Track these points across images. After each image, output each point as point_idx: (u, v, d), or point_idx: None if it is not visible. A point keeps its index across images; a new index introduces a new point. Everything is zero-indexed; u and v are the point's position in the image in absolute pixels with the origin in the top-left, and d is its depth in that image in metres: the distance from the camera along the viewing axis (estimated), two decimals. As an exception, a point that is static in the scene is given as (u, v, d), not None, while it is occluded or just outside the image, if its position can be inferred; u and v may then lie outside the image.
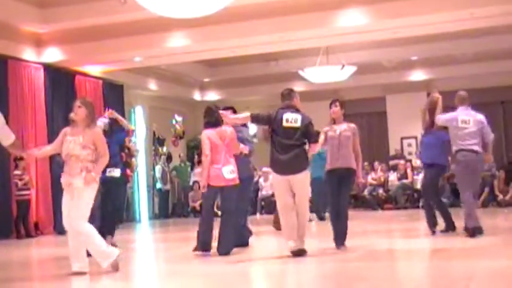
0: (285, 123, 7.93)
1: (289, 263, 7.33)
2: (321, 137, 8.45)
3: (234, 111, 9.36)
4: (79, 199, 6.91)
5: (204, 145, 8.31)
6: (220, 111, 8.49)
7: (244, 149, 8.87)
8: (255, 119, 8.12)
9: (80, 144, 6.99)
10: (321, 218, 14.03)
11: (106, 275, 6.76)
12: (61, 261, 8.73)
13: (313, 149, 8.16)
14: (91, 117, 7.14)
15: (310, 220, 12.17)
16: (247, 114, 8.24)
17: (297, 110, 8.11)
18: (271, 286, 6.36)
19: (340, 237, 8.27)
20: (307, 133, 7.98)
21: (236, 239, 8.65)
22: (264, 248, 9.91)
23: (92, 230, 6.96)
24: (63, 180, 7.06)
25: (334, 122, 8.64)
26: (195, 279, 6.87)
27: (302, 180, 7.93)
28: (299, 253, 7.72)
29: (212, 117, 8.49)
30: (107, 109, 10.36)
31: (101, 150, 7.10)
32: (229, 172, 8.29)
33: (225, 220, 8.41)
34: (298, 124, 7.93)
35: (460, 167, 9.12)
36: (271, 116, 8.04)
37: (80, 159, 6.97)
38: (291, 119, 7.96)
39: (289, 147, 7.88)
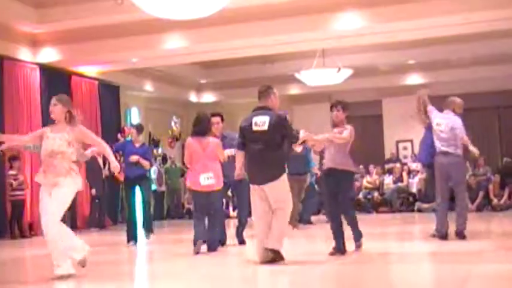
0: (254, 127, 7.51)
1: (285, 265, 7.31)
2: (301, 135, 7.87)
3: (222, 119, 9.47)
4: (62, 199, 6.76)
5: (185, 152, 8.99)
6: None
7: (231, 152, 8.97)
8: (240, 146, 7.73)
9: (67, 141, 6.85)
10: (308, 222, 14.05)
11: (102, 277, 6.74)
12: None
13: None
14: (69, 113, 6.95)
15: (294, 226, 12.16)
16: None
17: (268, 111, 7.61)
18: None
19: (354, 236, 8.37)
20: (279, 134, 7.47)
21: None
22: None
23: (60, 235, 6.71)
24: (46, 180, 6.83)
25: (335, 125, 8.41)
26: (194, 280, 6.87)
27: (276, 188, 7.48)
28: (271, 259, 7.31)
29: (197, 127, 8.90)
30: None
31: (93, 142, 7.05)
32: (206, 179, 8.72)
33: (209, 221, 8.98)
34: (265, 127, 7.46)
35: (434, 170, 9.27)
36: (241, 127, 7.67)
37: (66, 157, 6.82)
38: (259, 122, 7.51)
39: (258, 154, 7.49)
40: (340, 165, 8.23)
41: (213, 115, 9.54)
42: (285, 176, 7.53)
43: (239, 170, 7.80)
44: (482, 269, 6.84)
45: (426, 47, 17.22)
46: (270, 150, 7.45)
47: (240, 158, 7.76)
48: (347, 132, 8.24)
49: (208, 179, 8.72)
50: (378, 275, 6.78)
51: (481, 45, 17.04)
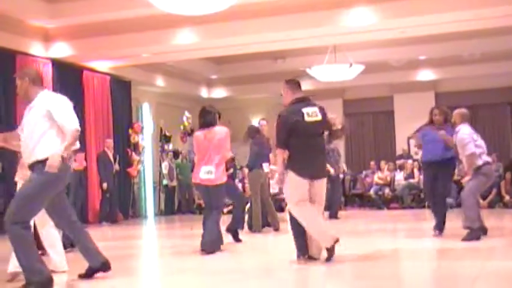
0: (307, 118, 7.15)
1: (294, 261, 7.32)
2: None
3: (219, 116, 9.22)
4: None
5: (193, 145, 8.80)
6: None
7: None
8: (285, 143, 7.16)
9: None
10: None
11: (112, 271, 6.76)
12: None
13: None
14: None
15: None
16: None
17: (310, 101, 7.35)
18: (275, 283, 6.36)
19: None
20: (326, 125, 7.43)
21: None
22: (267, 245, 9.92)
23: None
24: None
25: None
26: (202, 276, 6.89)
27: (324, 185, 7.37)
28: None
29: (202, 119, 8.66)
30: None
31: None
32: (205, 172, 8.38)
33: (205, 217, 8.62)
34: (319, 117, 7.24)
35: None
36: (289, 122, 7.12)
37: None
38: (311, 113, 7.19)
39: (317, 145, 7.28)
40: None
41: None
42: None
43: (281, 175, 7.22)
44: (495, 265, 6.83)
45: (437, 43, 17.16)
46: (323, 142, 7.48)
47: (281, 158, 7.21)
48: None
49: (207, 173, 8.38)
50: (388, 271, 6.77)
51: (492, 41, 16.97)
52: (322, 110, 7.33)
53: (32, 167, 6.08)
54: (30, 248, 5.91)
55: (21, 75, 6.47)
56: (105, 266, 6.43)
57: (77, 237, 6.48)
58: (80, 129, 6.17)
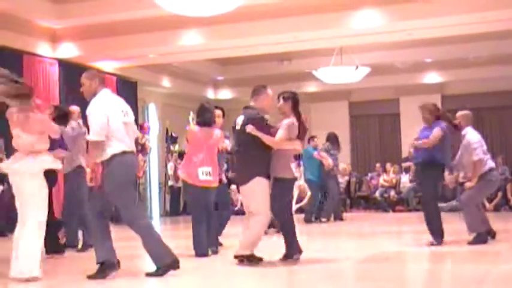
0: (236, 127, 7.36)
1: (296, 263, 7.32)
2: (281, 132, 7.25)
3: (223, 113, 9.10)
4: None
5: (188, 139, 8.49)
6: None
7: (226, 145, 8.85)
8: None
9: None
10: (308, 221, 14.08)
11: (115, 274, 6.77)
12: (64, 257, 8.79)
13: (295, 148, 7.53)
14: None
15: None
16: None
17: (247, 110, 7.37)
18: (276, 284, 6.37)
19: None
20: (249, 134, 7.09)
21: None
22: (270, 247, 9.91)
23: None
24: None
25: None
26: (205, 276, 6.90)
27: (246, 193, 7.26)
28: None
29: (200, 117, 8.37)
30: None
31: None
32: (204, 173, 8.08)
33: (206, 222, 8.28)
34: (238, 127, 7.29)
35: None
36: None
37: None
38: (237, 121, 7.34)
39: (235, 154, 7.43)
40: None
41: (215, 108, 8.97)
42: (257, 180, 7.14)
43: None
44: (500, 269, 6.80)
45: (443, 46, 17.15)
46: (240, 151, 7.34)
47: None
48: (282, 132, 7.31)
49: (206, 175, 8.08)
50: (393, 274, 6.77)
51: (498, 44, 16.95)
52: (247, 119, 7.24)
53: None
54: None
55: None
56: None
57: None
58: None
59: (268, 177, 7.24)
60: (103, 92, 6.65)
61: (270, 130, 7.27)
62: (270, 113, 7.56)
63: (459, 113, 9.28)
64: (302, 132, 7.45)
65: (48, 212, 6.77)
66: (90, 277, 6.44)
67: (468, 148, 8.90)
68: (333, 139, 14.33)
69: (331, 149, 14.15)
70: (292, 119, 7.35)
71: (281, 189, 7.28)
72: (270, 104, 7.54)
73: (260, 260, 7.29)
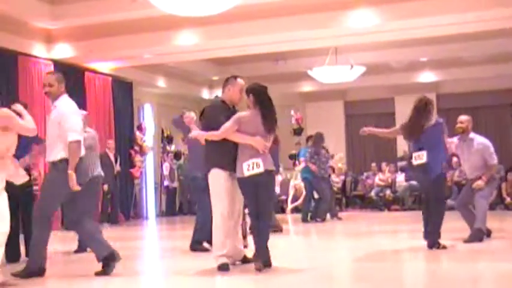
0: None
1: (293, 262, 7.33)
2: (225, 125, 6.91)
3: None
4: None
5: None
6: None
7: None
8: None
9: None
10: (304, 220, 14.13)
11: (111, 274, 6.77)
12: (67, 256, 8.80)
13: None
14: None
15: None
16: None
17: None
18: (275, 285, 6.37)
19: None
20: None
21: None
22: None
23: None
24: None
25: None
26: (203, 277, 6.90)
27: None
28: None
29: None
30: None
31: None
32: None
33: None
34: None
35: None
36: None
37: None
38: None
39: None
40: None
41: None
42: (212, 172, 6.93)
43: None
44: (496, 267, 6.83)
45: (438, 45, 17.16)
46: (201, 145, 7.37)
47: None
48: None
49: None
50: (389, 273, 6.78)
51: (493, 43, 16.97)
52: (203, 109, 7.47)
53: None
54: None
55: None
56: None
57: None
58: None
59: (226, 168, 6.89)
60: (66, 96, 7.14)
61: (225, 120, 6.97)
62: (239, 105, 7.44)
63: (465, 118, 9.39)
64: (268, 127, 7.02)
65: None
66: (97, 273, 6.66)
67: (484, 152, 9.19)
68: (318, 140, 14.30)
69: (317, 153, 14.10)
70: (247, 113, 7.06)
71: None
72: (237, 96, 7.40)
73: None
